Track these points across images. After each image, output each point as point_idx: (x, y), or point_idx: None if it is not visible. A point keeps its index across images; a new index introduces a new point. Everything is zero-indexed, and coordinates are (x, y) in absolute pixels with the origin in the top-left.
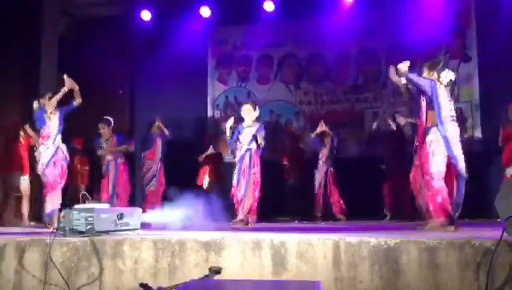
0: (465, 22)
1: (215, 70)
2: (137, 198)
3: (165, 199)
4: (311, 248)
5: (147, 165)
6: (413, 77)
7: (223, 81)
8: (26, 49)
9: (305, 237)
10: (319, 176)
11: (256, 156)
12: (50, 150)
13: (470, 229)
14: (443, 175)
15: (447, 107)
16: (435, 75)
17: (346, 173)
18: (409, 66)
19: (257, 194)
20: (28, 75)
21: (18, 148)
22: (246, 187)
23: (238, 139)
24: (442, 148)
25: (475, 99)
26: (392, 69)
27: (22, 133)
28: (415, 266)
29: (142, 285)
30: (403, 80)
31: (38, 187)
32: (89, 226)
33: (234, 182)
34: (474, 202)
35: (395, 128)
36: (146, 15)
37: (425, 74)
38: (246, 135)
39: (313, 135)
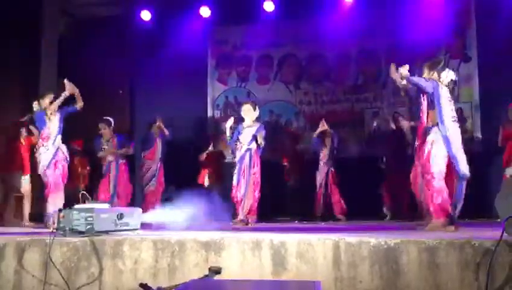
0: (465, 22)
1: (215, 70)
2: (137, 198)
3: (165, 198)
4: (311, 248)
5: (146, 165)
6: (416, 80)
7: (223, 81)
8: (26, 49)
9: (305, 237)
10: (319, 177)
11: (256, 156)
12: (50, 151)
13: (470, 229)
14: (444, 175)
15: (448, 107)
16: (435, 75)
17: (346, 173)
18: (409, 66)
19: (257, 194)
20: (28, 75)
21: (19, 149)
22: (246, 187)
23: (238, 139)
24: (442, 148)
25: (475, 100)
26: (392, 68)
27: (23, 133)
28: (415, 266)
29: (141, 285)
30: (404, 81)
31: (40, 187)
32: (88, 226)
33: (234, 182)
34: (474, 202)
35: (394, 128)
36: (146, 15)
37: (425, 74)
38: (246, 135)
39: (314, 135)
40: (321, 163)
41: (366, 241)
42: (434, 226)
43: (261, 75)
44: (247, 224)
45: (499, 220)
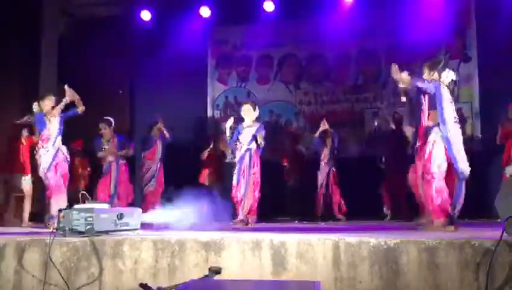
0: (465, 22)
1: (215, 70)
2: (137, 198)
3: (166, 199)
4: (311, 248)
5: (146, 165)
6: (419, 83)
7: (223, 81)
8: (26, 49)
9: (305, 237)
10: (321, 177)
11: (256, 156)
12: (50, 152)
13: (470, 229)
14: (444, 175)
15: (449, 108)
16: (436, 75)
17: (346, 173)
18: (408, 67)
19: (257, 194)
20: (28, 75)
21: (19, 149)
22: (245, 187)
23: (238, 139)
24: (443, 148)
25: (475, 100)
26: (394, 67)
27: (24, 133)
28: (415, 266)
29: (141, 285)
30: (404, 84)
31: (40, 188)
32: (88, 226)
33: (234, 182)
34: (474, 202)
35: (394, 128)
36: (146, 15)
37: (425, 74)
38: (246, 135)
39: (316, 135)
40: (322, 163)
41: (366, 242)
42: (434, 227)
43: (261, 75)
44: (247, 224)
45: (499, 220)
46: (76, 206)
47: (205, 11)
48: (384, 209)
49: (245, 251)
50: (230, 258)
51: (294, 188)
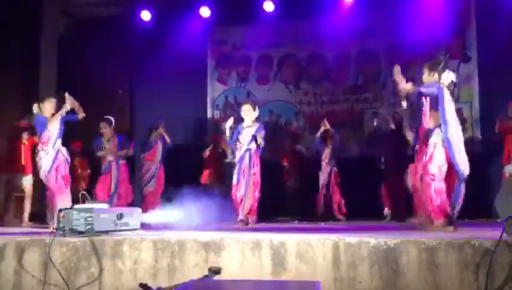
0: (465, 22)
1: (215, 70)
2: (136, 198)
3: (166, 199)
4: (310, 248)
5: (146, 166)
6: (422, 89)
7: (223, 82)
8: (26, 49)
9: (305, 237)
10: (322, 177)
11: (256, 156)
12: (50, 155)
13: (470, 229)
14: (444, 176)
15: (450, 109)
16: (436, 76)
17: (346, 173)
18: (409, 66)
19: (257, 194)
20: (28, 75)
21: (20, 149)
22: (245, 187)
23: (237, 139)
24: (443, 149)
25: (475, 100)
26: (396, 69)
27: (24, 136)
28: (415, 267)
29: (141, 285)
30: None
31: (41, 188)
32: (88, 226)
33: (234, 182)
34: (474, 202)
35: (394, 128)
36: (146, 15)
37: (425, 75)
38: (246, 135)
39: (317, 135)
40: (324, 163)
41: (365, 242)
42: (433, 227)
43: (260, 75)
44: (247, 224)
45: (498, 220)
46: (76, 206)
47: (205, 11)
48: (385, 211)
49: (245, 251)
50: (230, 258)
51: (294, 188)
